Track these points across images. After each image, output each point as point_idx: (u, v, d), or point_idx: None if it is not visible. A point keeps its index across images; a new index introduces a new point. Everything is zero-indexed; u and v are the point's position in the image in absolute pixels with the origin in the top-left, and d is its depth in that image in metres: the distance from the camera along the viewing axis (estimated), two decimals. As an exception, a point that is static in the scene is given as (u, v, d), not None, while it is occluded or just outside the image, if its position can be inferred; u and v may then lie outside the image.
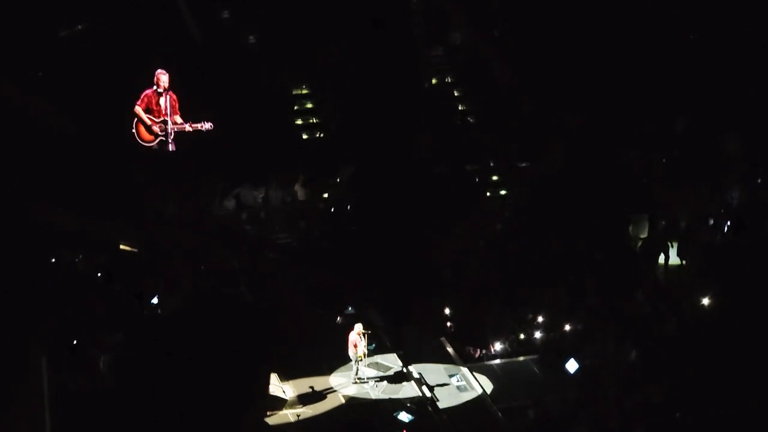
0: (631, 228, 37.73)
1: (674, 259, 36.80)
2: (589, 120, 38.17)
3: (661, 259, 36.58)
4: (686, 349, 31.49)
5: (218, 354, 28.18)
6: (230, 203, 37.38)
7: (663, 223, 37.72)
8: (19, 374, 25.78)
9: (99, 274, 32.98)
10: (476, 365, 33.19)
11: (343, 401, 31.18)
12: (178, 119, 34.59)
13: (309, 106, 39.82)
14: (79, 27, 36.12)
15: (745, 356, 30.27)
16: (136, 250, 33.80)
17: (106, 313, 31.21)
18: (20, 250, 30.14)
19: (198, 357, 28.05)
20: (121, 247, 33.84)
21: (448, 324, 34.06)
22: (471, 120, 40.76)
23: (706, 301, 33.38)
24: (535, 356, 33.34)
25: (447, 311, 34.14)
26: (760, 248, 35.09)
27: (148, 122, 34.38)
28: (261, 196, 37.64)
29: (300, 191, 37.94)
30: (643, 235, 37.65)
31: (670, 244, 36.69)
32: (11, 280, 27.97)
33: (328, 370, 32.34)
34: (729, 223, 37.30)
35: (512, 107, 39.47)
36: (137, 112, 34.39)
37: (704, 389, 30.06)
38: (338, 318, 33.68)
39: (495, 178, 39.80)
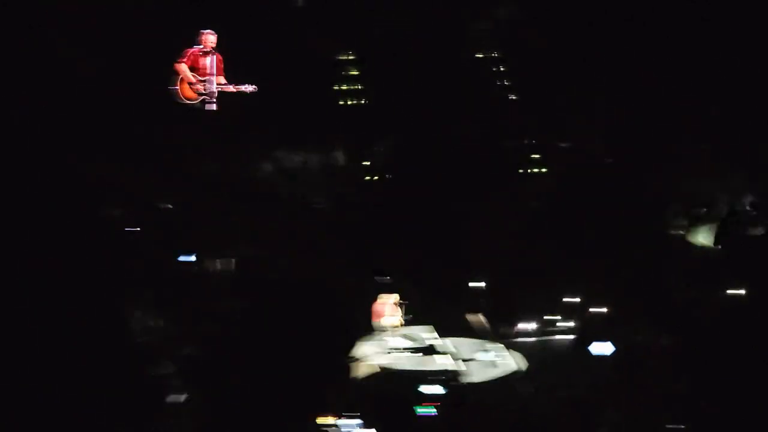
0: (667, 214, 37.61)
1: (711, 248, 36.68)
2: (634, 104, 37.83)
3: (699, 243, 36.41)
4: (721, 339, 31.48)
5: (248, 317, 28.19)
6: (268, 166, 37.28)
7: (700, 210, 37.52)
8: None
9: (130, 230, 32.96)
10: (509, 342, 33.26)
11: (374, 371, 31.22)
12: (222, 80, 34.34)
13: (353, 72, 39.69)
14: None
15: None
16: (171, 207, 33.77)
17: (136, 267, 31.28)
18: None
19: (228, 320, 28.07)
20: (156, 203, 33.82)
21: (483, 300, 34.08)
22: (514, 97, 40.51)
23: (742, 292, 33.31)
24: (568, 337, 33.41)
25: (482, 286, 34.17)
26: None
27: (193, 80, 34.12)
28: (300, 159, 37.55)
29: (340, 157, 37.88)
30: (681, 223, 37.48)
31: (707, 232, 36.57)
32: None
33: (359, 339, 32.42)
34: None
35: (556, 87, 39.19)
36: (181, 69, 34.05)
37: (733, 380, 30.08)
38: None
39: (534, 156, 39.56)
